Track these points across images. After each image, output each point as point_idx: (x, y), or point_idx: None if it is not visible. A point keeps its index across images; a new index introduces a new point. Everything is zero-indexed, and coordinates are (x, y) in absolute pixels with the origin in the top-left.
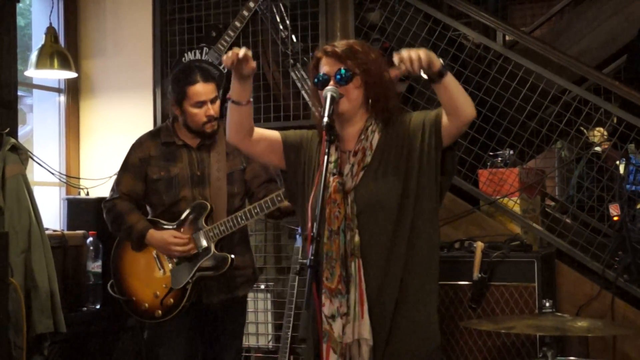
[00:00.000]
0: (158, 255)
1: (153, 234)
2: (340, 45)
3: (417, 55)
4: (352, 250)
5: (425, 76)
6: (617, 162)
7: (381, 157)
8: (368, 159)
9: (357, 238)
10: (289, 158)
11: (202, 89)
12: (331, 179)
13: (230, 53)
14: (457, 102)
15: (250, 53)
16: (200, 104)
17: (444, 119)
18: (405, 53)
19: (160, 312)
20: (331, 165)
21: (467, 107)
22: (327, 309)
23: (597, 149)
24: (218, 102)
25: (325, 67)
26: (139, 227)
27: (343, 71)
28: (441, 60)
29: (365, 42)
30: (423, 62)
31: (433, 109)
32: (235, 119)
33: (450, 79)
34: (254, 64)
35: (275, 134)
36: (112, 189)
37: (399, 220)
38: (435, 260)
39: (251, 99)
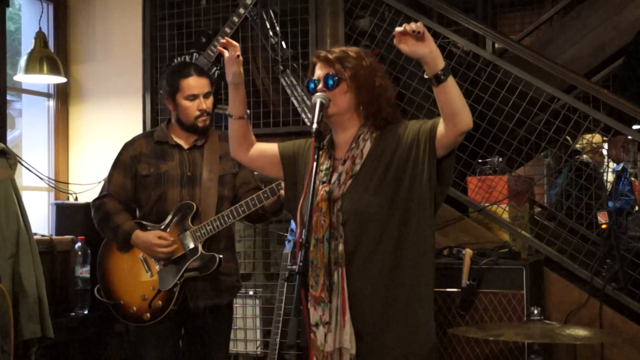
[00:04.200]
0: (145, 257)
1: (138, 234)
2: (335, 50)
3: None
4: (336, 259)
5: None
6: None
7: (370, 165)
8: (357, 167)
9: (341, 247)
10: (286, 169)
11: (195, 82)
12: (320, 186)
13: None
14: (456, 107)
15: (237, 48)
16: (193, 97)
17: (440, 127)
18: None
19: (148, 315)
20: (322, 174)
21: (465, 115)
22: (311, 317)
23: (585, 157)
24: (211, 99)
25: (317, 72)
26: (125, 228)
27: (329, 76)
28: (444, 62)
29: (365, 49)
30: (414, 30)
31: (423, 117)
32: (233, 133)
33: (451, 83)
34: (236, 68)
35: (273, 148)
36: (102, 187)
37: (385, 231)
38: (427, 269)
39: (245, 115)
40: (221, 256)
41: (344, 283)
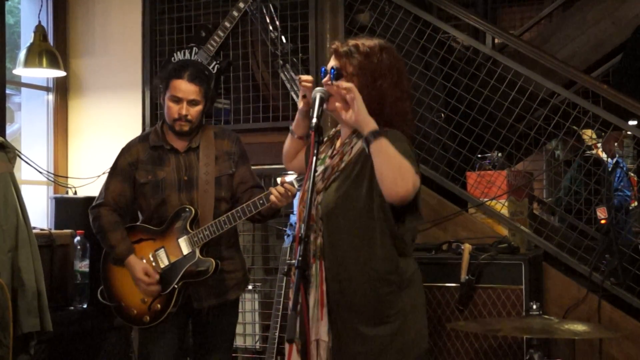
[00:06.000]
0: (146, 261)
1: (129, 262)
2: (349, 43)
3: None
4: (315, 252)
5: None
6: (616, 144)
7: (354, 164)
8: (342, 164)
9: (319, 240)
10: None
11: (182, 86)
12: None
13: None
14: (382, 175)
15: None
16: (176, 100)
17: None
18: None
19: (148, 317)
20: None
21: (391, 184)
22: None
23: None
24: (198, 108)
25: (330, 62)
26: (118, 251)
27: (333, 70)
28: (372, 130)
29: (385, 45)
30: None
31: (422, 112)
32: (288, 148)
33: (376, 148)
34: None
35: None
36: (100, 193)
37: (359, 228)
38: (401, 275)
39: (303, 137)
40: (219, 261)
41: (322, 276)
